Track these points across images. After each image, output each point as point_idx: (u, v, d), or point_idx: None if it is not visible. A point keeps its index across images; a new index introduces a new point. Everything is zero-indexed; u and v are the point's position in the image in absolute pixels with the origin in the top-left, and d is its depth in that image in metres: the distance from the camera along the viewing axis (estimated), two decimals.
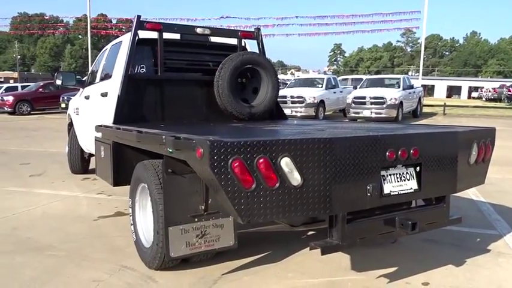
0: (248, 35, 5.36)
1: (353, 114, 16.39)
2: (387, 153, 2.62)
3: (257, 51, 5.41)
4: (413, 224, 2.68)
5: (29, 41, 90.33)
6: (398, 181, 2.74)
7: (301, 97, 16.52)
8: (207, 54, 5.22)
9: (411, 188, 2.79)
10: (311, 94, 16.63)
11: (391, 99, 15.81)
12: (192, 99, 5.04)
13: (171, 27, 4.86)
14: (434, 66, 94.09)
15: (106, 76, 5.28)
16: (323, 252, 2.52)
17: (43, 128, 15.03)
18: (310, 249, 2.55)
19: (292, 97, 16.65)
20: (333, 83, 18.36)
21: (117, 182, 3.92)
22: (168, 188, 2.85)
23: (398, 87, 16.98)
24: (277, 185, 2.30)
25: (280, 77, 34.09)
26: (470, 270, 3.39)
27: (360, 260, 3.55)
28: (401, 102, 16.15)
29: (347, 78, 25.00)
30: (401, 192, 2.74)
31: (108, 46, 5.77)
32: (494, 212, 5.09)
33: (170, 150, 2.59)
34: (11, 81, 46.63)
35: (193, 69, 5.14)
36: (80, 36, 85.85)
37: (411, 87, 17.76)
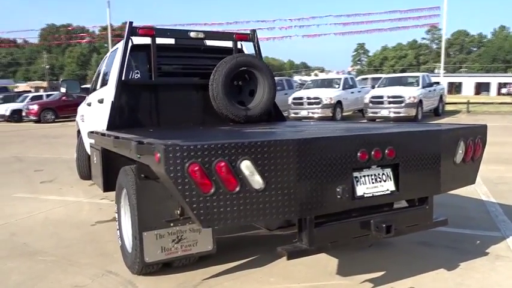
0: (243, 37, 5.32)
1: (371, 114, 16.10)
2: (358, 154, 2.54)
3: (254, 53, 5.37)
4: (388, 226, 2.58)
5: (57, 51, 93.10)
6: (373, 182, 2.65)
7: (318, 98, 16.37)
8: (203, 58, 5.21)
9: (388, 190, 2.69)
10: (327, 95, 16.46)
11: (410, 97, 15.46)
12: (188, 104, 5.03)
13: (164, 32, 4.88)
14: (461, 63, 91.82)
15: (104, 83, 5.35)
16: (289, 257, 2.46)
17: (64, 136, 15.38)
18: (277, 254, 2.49)
19: (308, 98, 16.54)
20: (351, 83, 18.13)
21: (107, 188, 3.95)
22: (141, 193, 2.84)
23: (418, 85, 16.60)
24: (237, 188, 2.25)
25: (303, 78, 33.83)
26: (462, 274, 3.25)
27: (348, 263, 3.46)
28: (420, 101, 15.77)
29: (367, 78, 24.65)
30: (377, 194, 2.64)
31: (108, 53, 5.85)
32: (502, 213, 4.87)
33: (138, 156, 2.58)
34: (41, 90, 48.08)
35: (189, 73, 5.14)
36: (105, 45, 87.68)
37: (431, 85, 17.35)
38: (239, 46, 5.37)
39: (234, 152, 2.24)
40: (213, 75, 4.81)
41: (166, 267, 3.27)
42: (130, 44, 4.77)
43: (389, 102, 15.76)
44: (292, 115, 16.89)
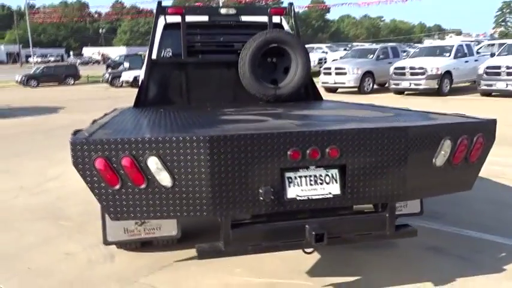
0: (279, 11, 5.07)
1: (485, 87, 14.22)
2: (289, 153, 2.30)
3: (290, 29, 5.12)
4: (319, 234, 2.33)
5: None
6: (312, 184, 2.39)
7: (423, 68, 14.96)
8: (238, 34, 5.12)
9: (330, 193, 2.40)
10: (434, 64, 14.94)
11: None
12: (219, 81, 5.01)
13: (193, 10, 4.90)
14: None
15: None
16: (199, 257, 2.39)
17: None
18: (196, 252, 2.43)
19: (412, 68, 15.21)
20: (465, 51, 16.12)
21: None
22: None
23: None
24: (144, 184, 2.23)
25: (435, 43, 30.74)
26: None
27: (328, 262, 3.24)
28: None
29: (493, 44, 21.63)
30: (314, 197, 2.38)
31: None
32: None
33: None
34: None
35: (223, 50, 5.10)
36: None
37: None
38: (278, 21, 5.15)
39: (141, 148, 2.21)
40: (242, 52, 4.71)
41: (148, 244, 3.43)
42: (163, 23, 4.92)
43: (509, 74, 13.72)
44: (393, 86, 15.79)
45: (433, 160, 2.53)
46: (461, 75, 15.69)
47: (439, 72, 14.88)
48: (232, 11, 4.92)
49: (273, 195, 2.30)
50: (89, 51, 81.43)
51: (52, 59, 69.14)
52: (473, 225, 3.88)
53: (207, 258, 2.50)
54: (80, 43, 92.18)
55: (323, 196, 2.40)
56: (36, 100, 17.82)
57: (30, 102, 16.89)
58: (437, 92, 14.91)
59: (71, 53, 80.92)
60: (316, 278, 3.01)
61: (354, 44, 38.94)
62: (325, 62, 22.46)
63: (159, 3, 4.73)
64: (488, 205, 4.39)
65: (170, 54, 5.04)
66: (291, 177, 2.38)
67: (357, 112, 3.48)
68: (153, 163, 2.23)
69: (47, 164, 6.69)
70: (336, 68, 16.88)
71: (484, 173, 5.10)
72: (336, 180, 2.42)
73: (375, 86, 17.44)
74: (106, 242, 3.06)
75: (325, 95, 14.34)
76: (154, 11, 4.77)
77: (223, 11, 4.91)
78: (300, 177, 2.39)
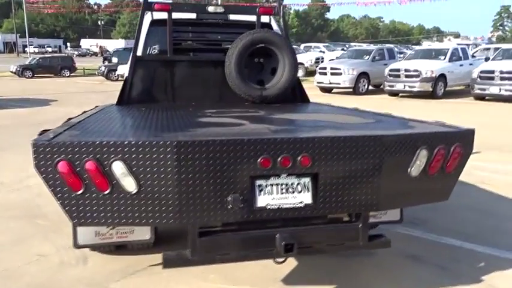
0: (268, 11, 5.00)
1: (478, 91, 14.22)
2: (259, 160, 2.24)
3: (278, 29, 5.05)
4: (289, 244, 2.27)
5: None
6: (283, 193, 2.33)
7: (417, 71, 14.92)
8: (225, 33, 5.05)
9: (301, 202, 2.34)
10: (429, 67, 14.90)
11: None
12: (205, 80, 4.94)
13: (180, 7, 4.82)
14: None
15: None
16: (165, 265, 2.33)
17: None
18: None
19: (406, 70, 15.15)
20: (460, 55, 16.10)
21: None
22: None
23: None
24: (108, 189, 2.17)
25: (433, 45, 30.70)
26: None
27: (306, 271, 3.19)
28: None
29: (489, 48, 21.63)
30: (285, 206, 2.32)
31: None
32: None
33: None
34: None
35: (210, 49, 5.03)
36: None
37: None
38: (267, 20, 5.08)
39: (106, 151, 2.14)
40: (228, 52, 4.64)
41: (123, 247, 3.36)
42: (149, 20, 4.85)
43: (503, 78, 13.71)
44: (387, 88, 15.74)
45: (409, 170, 2.48)
46: (455, 79, 15.68)
47: (434, 75, 14.84)
48: (220, 9, 4.85)
49: (243, 203, 2.24)
50: (86, 43, 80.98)
51: (50, 49, 68.78)
52: (454, 233, 3.84)
53: (174, 267, 2.44)
54: (78, 34, 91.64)
55: (294, 205, 2.34)
56: (30, 91, 17.65)
57: (23, 94, 16.75)
58: (431, 95, 14.89)
59: (68, 44, 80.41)
60: (291, 287, 2.96)
61: (352, 44, 38.91)
62: (322, 62, 22.39)
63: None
64: (470, 212, 4.36)
65: (156, 51, 4.97)
66: (261, 185, 2.32)
67: (337, 117, 3.42)
68: (118, 168, 2.16)
69: (31, 159, 6.59)
70: (332, 68, 16.81)
71: (469, 178, 5.13)
72: (307, 189, 2.36)
73: (370, 87, 17.41)
74: (76, 245, 2.98)
75: (320, 95, 14.35)
76: (142, 6, 4.70)
77: (211, 9, 4.84)
78: (271, 185, 2.33)
